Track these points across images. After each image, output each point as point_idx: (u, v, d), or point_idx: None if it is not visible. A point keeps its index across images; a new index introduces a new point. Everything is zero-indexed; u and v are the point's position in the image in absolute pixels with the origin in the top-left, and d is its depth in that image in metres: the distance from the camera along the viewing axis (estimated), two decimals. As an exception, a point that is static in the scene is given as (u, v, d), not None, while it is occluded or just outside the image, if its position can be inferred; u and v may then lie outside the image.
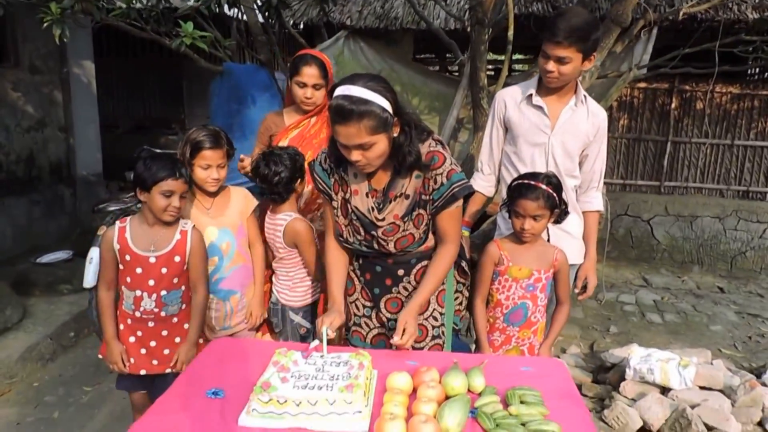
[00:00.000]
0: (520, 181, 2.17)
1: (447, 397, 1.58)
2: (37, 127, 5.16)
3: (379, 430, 1.39)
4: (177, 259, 2.07)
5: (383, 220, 1.87)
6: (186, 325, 2.15)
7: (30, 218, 5.07)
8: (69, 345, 3.47)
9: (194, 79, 7.95)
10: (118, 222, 2.07)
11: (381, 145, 1.70)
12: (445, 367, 1.73)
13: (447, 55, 7.54)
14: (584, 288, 2.52)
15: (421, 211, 1.88)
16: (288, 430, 1.43)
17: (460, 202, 1.90)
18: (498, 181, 2.61)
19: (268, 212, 2.36)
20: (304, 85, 2.52)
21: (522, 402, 1.57)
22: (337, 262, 2.03)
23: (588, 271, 2.51)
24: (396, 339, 1.81)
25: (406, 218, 1.87)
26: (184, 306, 2.15)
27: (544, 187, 2.10)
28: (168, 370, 2.14)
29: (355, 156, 1.71)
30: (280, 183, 2.25)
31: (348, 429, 1.43)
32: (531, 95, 2.40)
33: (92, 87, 5.76)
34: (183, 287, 2.12)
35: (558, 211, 2.15)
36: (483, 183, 2.59)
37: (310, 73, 2.50)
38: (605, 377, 3.26)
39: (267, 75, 4.08)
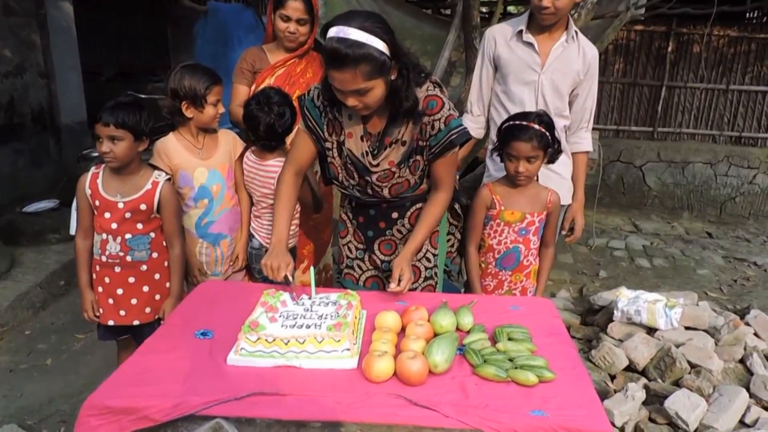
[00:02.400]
0: (511, 123, 2.12)
1: (435, 335, 1.59)
2: (16, 72, 4.97)
3: (368, 366, 1.39)
4: (143, 207, 2.02)
5: (378, 165, 1.82)
6: (157, 276, 2.11)
7: (15, 167, 4.96)
8: (59, 293, 3.47)
9: (179, 24, 7.64)
10: (92, 167, 2.02)
11: (378, 90, 1.63)
12: (434, 306, 1.73)
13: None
14: (571, 230, 2.52)
15: (418, 157, 1.82)
16: (277, 368, 1.43)
17: (458, 149, 1.84)
18: (487, 122, 2.56)
19: (252, 159, 2.28)
20: (287, 19, 2.42)
21: (510, 339, 1.58)
22: (288, 199, 1.93)
23: (576, 212, 2.50)
24: (393, 286, 1.79)
25: (403, 165, 1.82)
26: (155, 255, 2.08)
27: (536, 126, 2.04)
28: (136, 321, 2.11)
29: (351, 101, 1.65)
30: (274, 129, 2.18)
31: (337, 366, 1.44)
32: (521, 31, 2.33)
33: (72, 31, 5.53)
34: (152, 234, 2.06)
35: (551, 150, 2.11)
36: (472, 125, 2.53)
37: (295, 7, 2.40)
38: (593, 319, 3.31)
39: (253, 15, 3.93)
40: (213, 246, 2.28)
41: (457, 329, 1.65)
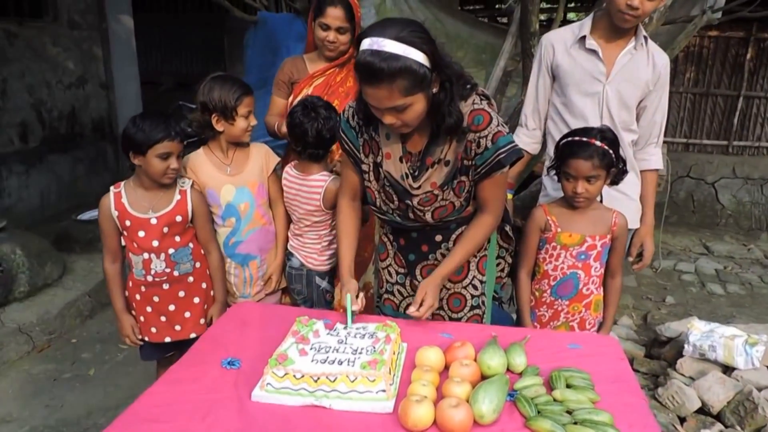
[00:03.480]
0: (570, 138, 1.92)
1: (483, 377, 1.42)
2: (78, 83, 5.14)
3: (404, 413, 1.24)
4: (179, 219, 1.96)
5: (419, 188, 1.66)
6: (204, 285, 2.08)
7: (74, 175, 5.12)
8: (107, 302, 3.44)
9: (235, 34, 7.78)
10: (112, 188, 1.96)
11: (418, 105, 1.47)
12: (481, 341, 1.56)
13: (496, 5, 7.06)
14: (639, 256, 2.28)
15: (463, 177, 1.65)
16: (304, 408, 1.30)
17: (506, 169, 1.65)
18: (544, 137, 2.37)
19: (293, 175, 2.17)
20: (327, 28, 2.31)
21: (568, 386, 1.39)
22: (349, 226, 1.84)
23: (645, 237, 2.26)
24: (412, 310, 1.65)
25: (446, 187, 1.65)
26: (198, 264, 2.05)
27: (598, 143, 1.84)
28: (192, 335, 2.06)
29: (389, 119, 1.49)
30: (323, 135, 2.06)
31: (370, 409, 1.29)
32: (584, 38, 2.12)
33: (132, 43, 5.69)
34: (190, 244, 2.02)
35: (614, 170, 1.90)
36: (527, 139, 2.34)
37: (334, 15, 2.28)
38: (660, 352, 3.02)
39: (303, 24, 3.86)
40: (242, 266, 2.18)
41: (508, 370, 1.47)
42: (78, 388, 2.73)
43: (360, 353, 1.41)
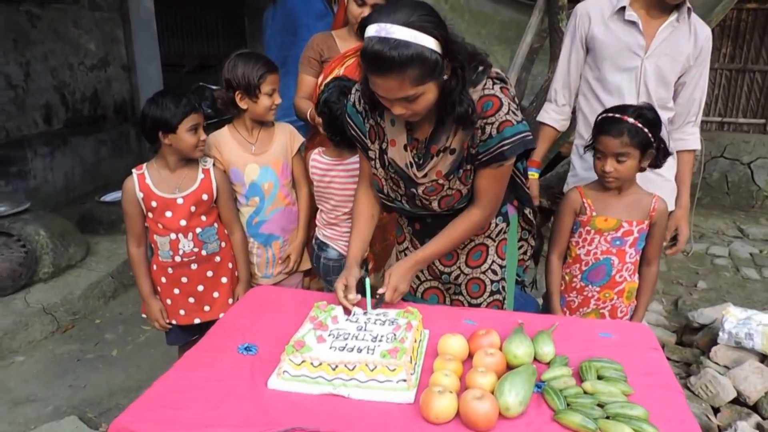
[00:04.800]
0: (604, 115, 1.82)
1: (508, 367, 1.35)
2: (100, 65, 5.15)
3: (426, 404, 1.18)
4: (205, 197, 1.95)
5: (424, 177, 1.58)
6: (230, 264, 2.07)
7: (98, 157, 5.15)
8: (130, 284, 3.50)
9: (255, 14, 7.70)
10: (134, 170, 1.93)
11: (430, 95, 1.39)
12: (507, 329, 1.49)
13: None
14: (673, 240, 2.17)
15: (469, 166, 1.56)
16: (322, 397, 1.25)
17: (510, 162, 1.55)
18: (573, 114, 2.25)
19: (324, 161, 2.08)
20: (363, 4, 2.21)
21: (599, 377, 1.32)
22: (365, 213, 1.77)
23: (680, 220, 2.15)
24: (381, 290, 1.58)
25: (452, 176, 1.56)
26: (223, 244, 2.04)
27: (630, 120, 1.74)
28: (221, 315, 2.03)
29: (398, 110, 1.41)
30: None
31: (390, 399, 1.24)
32: (623, 8, 1.99)
33: (152, 24, 5.67)
34: (215, 224, 2.01)
35: (652, 151, 1.79)
36: (556, 116, 2.24)
37: None
38: (692, 339, 2.91)
39: (322, 2, 3.77)
40: (264, 247, 2.15)
41: (535, 359, 1.40)
42: (101, 368, 2.75)
43: (380, 341, 1.35)
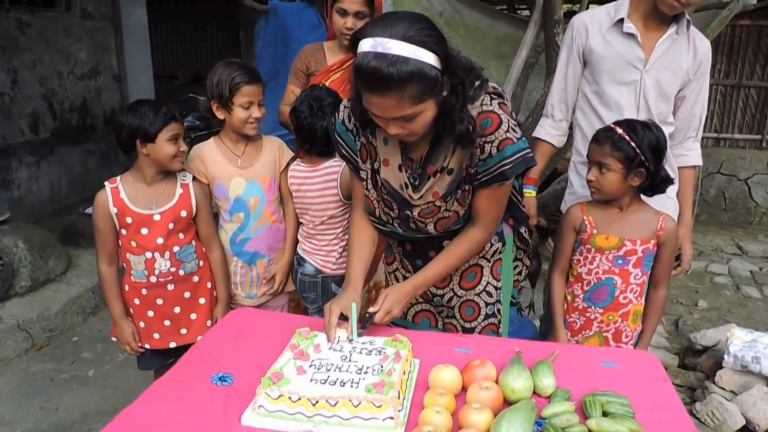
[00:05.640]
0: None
1: (506, 402, 1.24)
2: (90, 74, 5.06)
3: (414, 446, 1.07)
4: (183, 213, 1.84)
5: (420, 198, 1.48)
6: (209, 284, 1.96)
7: (85, 168, 5.03)
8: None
9: (250, 26, 7.66)
10: (107, 183, 1.82)
11: (428, 113, 1.29)
12: (503, 358, 1.38)
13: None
14: (677, 260, 2.08)
15: (467, 186, 1.47)
16: (300, 436, 1.14)
17: (511, 181, 1.46)
18: (570, 129, 2.17)
19: (301, 169, 2.01)
20: (344, 13, 2.14)
21: (605, 413, 1.21)
22: (362, 238, 1.64)
23: (683, 239, 2.06)
24: (371, 309, 1.47)
25: (449, 197, 1.47)
26: (201, 263, 1.93)
27: (619, 131, 1.67)
28: (200, 338, 1.92)
29: (394, 129, 1.31)
30: (330, 137, 1.89)
31: (375, 439, 1.13)
32: (621, 20, 1.92)
33: (145, 35, 5.59)
34: (193, 241, 1.90)
35: (641, 171, 1.67)
36: (553, 131, 2.15)
37: None
38: (695, 362, 2.81)
39: (315, 14, 3.71)
40: (248, 265, 2.03)
41: (534, 393, 1.29)
42: (75, 389, 2.62)
43: (366, 373, 1.24)
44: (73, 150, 4.91)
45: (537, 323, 2.74)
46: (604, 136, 1.69)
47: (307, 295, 2.06)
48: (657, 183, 1.72)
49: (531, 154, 1.41)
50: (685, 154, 2.05)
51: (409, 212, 1.51)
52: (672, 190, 2.04)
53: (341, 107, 1.55)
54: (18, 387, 2.62)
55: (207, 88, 1.88)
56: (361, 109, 1.37)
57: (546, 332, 2.14)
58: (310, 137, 1.93)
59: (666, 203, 1.99)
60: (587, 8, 3.42)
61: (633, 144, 1.64)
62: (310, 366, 1.27)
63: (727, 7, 3.36)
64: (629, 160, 1.66)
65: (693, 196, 2.10)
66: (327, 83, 2.21)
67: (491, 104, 1.39)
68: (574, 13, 3.52)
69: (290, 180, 2.01)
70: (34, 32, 4.44)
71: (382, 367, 1.26)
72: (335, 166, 1.96)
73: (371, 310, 1.48)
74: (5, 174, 4.26)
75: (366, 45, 1.20)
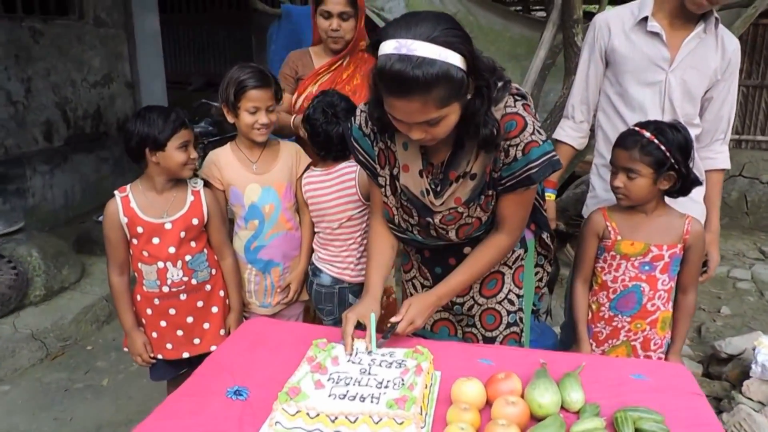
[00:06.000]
0: (625, 129, 1.71)
1: (533, 418, 1.19)
2: (104, 82, 5.07)
3: (439, 466, 1.02)
4: (195, 221, 1.81)
5: (442, 204, 1.43)
6: (221, 293, 1.92)
7: (99, 175, 5.04)
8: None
9: (262, 31, 7.68)
10: (116, 192, 1.79)
11: (453, 117, 1.24)
12: (527, 370, 1.33)
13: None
14: (704, 266, 2.01)
15: (491, 192, 1.43)
16: (319, 453, 1.09)
17: (536, 186, 1.42)
18: (592, 131, 2.12)
19: (316, 173, 1.97)
20: (329, 15, 2.10)
21: (638, 430, 1.15)
22: (381, 246, 1.60)
23: (710, 245, 1.99)
24: (394, 319, 1.42)
25: (472, 203, 1.43)
26: (213, 271, 1.89)
27: (647, 135, 1.60)
28: (213, 347, 1.89)
29: (417, 134, 1.26)
30: (342, 137, 1.84)
31: (397, 457, 1.08)
32: (645, 19, 1.86)
33: (158, 41, 5.61)
34: (205, 250, 1.86)
35: (672, 174, 1.62)
36: (573, 133, 2.09)
37: (335, 0, 2.08)
38: (721, 371, 2.72)
39: (328, 17, 3.66)
40: (263, 273, 1.99)
41: (562, 408, 1.24)
42: (89, 399, 2.59)
43: (386, 387, 1.19)
44: (87, 157, 4.92)
45: (556, 329, 2.67)
46: (631, 141, 1.62)
47: (323, 306, 2.01)
48: (686, 185, 1.66)
49: (557, 157, 1.36)
50: (712, 157, 1.99)
51: (430, 219, 1.46)
52: (698, 194, 1.97)
53: (358, 111, 1.51)
54: (32, 397, 2.60)
55: (219, 91, 1.85)
56: (379, 113, 1.32)
57: (568, 341, 2.09)
58: (326, 144, 1.91)
59: (692, 208, 1.92)
60: (605, 8, 3.36)
61: (663, 147, 1.58)
62: (329, 380, 1.23)
63: (752, 5, 3.27)
64: (659, 165, 1.60)
65: (720, 200, 2.03)
66: (315, 87, 2.18)
67: (515, 106, 1.34)
68: (593, 13, 3.46)
69: (305, 188, 1.97)
70: (48, 41, 4.46)
71: (403, 380, 1.21)
72: (351, 166, 1.93)
73: (393, 320, 1.44)
74: (20, 183, 4.27)
75: (389, 47, 1.15)
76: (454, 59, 1.15)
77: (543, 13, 6.60)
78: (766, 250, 4.79)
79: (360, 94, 2.19)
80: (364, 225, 1.96)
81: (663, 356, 1.82)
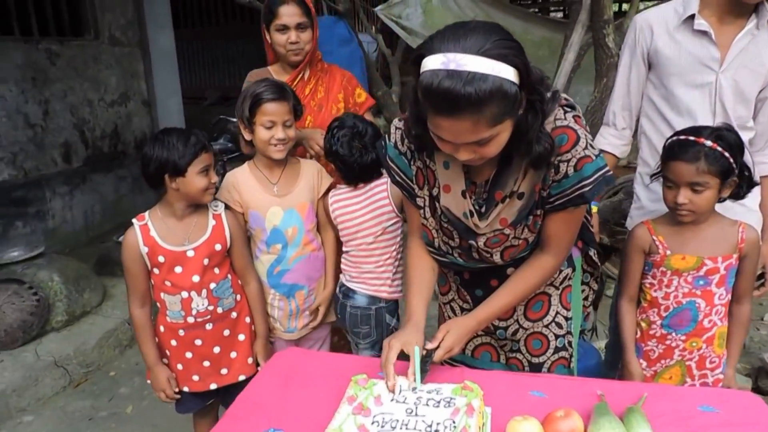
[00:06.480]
0: (675, 138, 1.57)
1: (599, 462, 1.07)
2: (121, 101, 5.06)
3: None
4: (218, 247, 1.73)
5: (487, 226, 1.33)
6: (247, 319, 1.84)
7: (118, 194, 5.02)
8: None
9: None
10: (135, 221, 1.71)
11: (504, 135, 1.14)
12: (584, 402, 1.22)
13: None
14: (761, 278, 1.88)
15: (539, 211, 1.32)
16: None
17: (587, 205, 1.32)
18: (634, 137, 2.00)
19: (343, 190, 1.90)
20: (285, 29, 2.01)
21: (718, 474, 1.03)
22: (421, 266, 1.50)
23: (767, 256, 1.85)
24: (429, 345, 1.32)
25: (519, 225, 1.33)
26: (238, 297, 1.81)
27: (708, 143, 1.48)
28: (242, 377, 1.82)
29: (465, 155, 1.16)
30: (378, 162, 1.75)
31: None
32: (691, 17, 1.74)
33: (173, 58, 5.59)
34: (229, 276, 1.78)
35: (734, 179, 1.53)
36: (615, 141, 1.98)
37: (289, 12, 2.00)
38: (773, 386, 2.57)
39: (346, 27, 3.62)
40: (287, 298, 1.91)
41: (629, 449, 1.12)
42: (114, 429, 2.52)
43: (436, 430, 1.09)
44: (106, 177, 4.91)
45: (598, 344, 2.55)
46: (692, 153, 1.49)
47: (359, 330, 1.91)
48: (746, 188, 1.56)
49: (611, 173, 1.25)
50: (767, 161, 1.86)
51: (473, 242, 1.36)
52: (754, 201, 1.85)
53: (392, 128, 1.41)
54: (56, 428, 2.54)
55: (236, 106, 1.78)
56: (418, 131, 1.22)
57: (614, 361, 1.97)
58: (361, 174, 1.84)
59: (747, 217, 1.78)
60: (638, 9, 3.24)
61: (727, 154, 1.47)
62: (373, 423, 1.13)
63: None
64: (726, 173, 1.49)
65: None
66: None
67: (565, 118, 1.24)
68: (623, 13, 3.34)
69: (333, 207, 1.89)
70: (64, 62, 4.45)
71: (454, 422, 1.11)
72: (382, 181, 1.86)
73: (429, 346, 1.33)
74: (40, 205, 4.26)
75: (435, 62, 1.05)
76: (508, 73, 1.05)
77: (560, 14, 6.50)
78: (805, 252, 4.59)
79: (326, 108, 2.13)
80: (399, 238, 1.88)
81: (721, 376, 1.69)
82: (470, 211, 1.32)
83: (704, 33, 1.73)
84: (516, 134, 1.16)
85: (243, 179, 1.85)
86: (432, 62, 1.05)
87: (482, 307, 1.42)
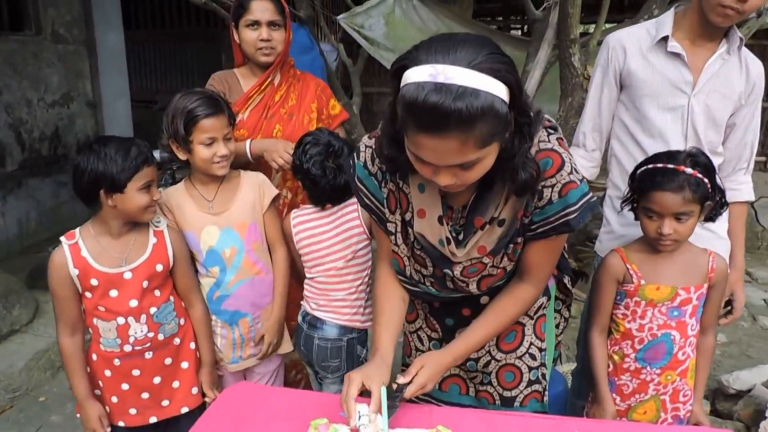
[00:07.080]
0: (651, 166, 1.52)
1: None
2: (63, 101, 4.76)
3: None
4: (159, 267, 1.56)
5: (464, 255, 1.24)
6: (192, 345, 1.68)
7: (57, 201, 4.70)
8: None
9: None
10: (63, 239, 1.53)
11: (489, 159, 1.05)
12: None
13: (511, 15, 6.71)
14: (727, 306, 1.86)
15: (520, 239, 1.24)
16: None
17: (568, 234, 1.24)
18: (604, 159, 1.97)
19: (307, 212, 1.77)
20: (256, 25, 1.87)
21: None
22: (391, 297, 1.38)
23: (735, 284, 1.84)
24: (401, 380, 1.22)
25: (499, 254, 1.24)
26: (182, 321, 1.65)
27: (689, 170, 1.45)
28: (185, 409, 1.66)
29: (446, 179, 1.05)
30: (347, 184, 1.64)
31: None
32: (665, 38, 1.72)
33: (122, 58, 5.33)
34: (171, 298, 1.62)
35: (710, 204, 1.50)
36: (585, 162, 1.93)
37: (262, 7, 1.86)
38: (730, 409, 2.57)
39: (308, 34, 3.50)
40: (230, 326, 1.75)
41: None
42: (41, 464, 2.28)
43: (408, 485, 0.97)
44: (44, 182, 4.59)
45: (562, 369, 2.50)
46: (676, 183, 1.44)
47: (328, 363, 1.76)
48: (718, 209, 1.54)
49: (595, 199, 1.18)
50: (735, 188, 1.85)
51: (448, 270, 1.26)
52: (722, 228, 1.83)
53: (362, 146, 1.29)
54: (-27, 463, 2.28)
55: (163, 126, 1.60)
56: (393, 152, 1.11)
57: (581, 390, 1.91)
58: (332, 196, 1.71)
59: (717, 245, 1.77)
60: (602, 28, 3.25)
61: (706, 180, 1.44)
62: (336, 477, 1.00)
63: (745, 25, 3.21)
64: (705, 199, 1.46)
65: (744, 234, 1.89)
66: (246, 112, 1.94)
67: (549, 140, 1.15)
68: (587, 33, 3.35)
69: (296, 229, 1.75)
70: (0, 57, 4.14)
71: (428, 476, 0.99)
72: (352, 202, 1.74)
73: (401, 380, 1.23)
74: (-32, 211, 3.93)
75: (420, 74, 0.94)
76: (499, 90, 0.95)
77: (519, 32, 6.57)
78: (751, 272, 4.74)
79: (297, 117, 1.99)
80: (370, 262, 1.76)
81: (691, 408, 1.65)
82: (447, 238, 1.22)
83: (677, 55, 1.70)
84: (500, 159, 1.06)
85: (177, 198, 1.69)
86: (417, 74, 0.95)
87: (459, 341, 1.32)
